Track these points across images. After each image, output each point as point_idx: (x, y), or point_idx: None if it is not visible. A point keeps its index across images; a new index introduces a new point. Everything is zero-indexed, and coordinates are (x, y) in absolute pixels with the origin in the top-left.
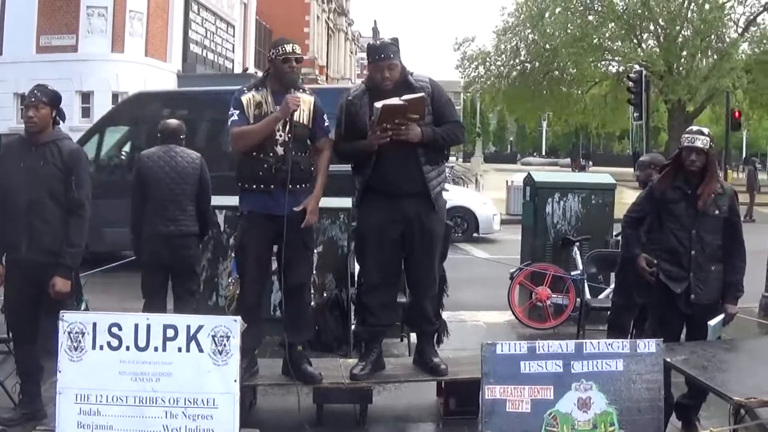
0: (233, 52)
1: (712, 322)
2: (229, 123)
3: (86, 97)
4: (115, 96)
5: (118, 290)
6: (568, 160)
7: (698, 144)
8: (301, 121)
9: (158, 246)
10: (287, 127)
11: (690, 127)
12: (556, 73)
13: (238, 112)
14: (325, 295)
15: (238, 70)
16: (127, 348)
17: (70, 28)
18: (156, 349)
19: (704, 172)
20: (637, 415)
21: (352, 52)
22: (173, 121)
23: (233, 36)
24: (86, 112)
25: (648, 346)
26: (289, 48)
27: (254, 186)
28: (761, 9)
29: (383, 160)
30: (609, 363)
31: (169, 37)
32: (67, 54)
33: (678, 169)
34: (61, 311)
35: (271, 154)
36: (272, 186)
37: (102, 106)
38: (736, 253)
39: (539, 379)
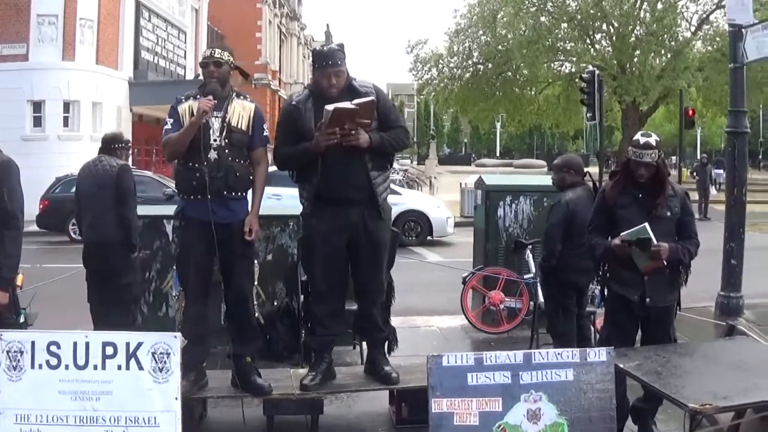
0: (185, 58)
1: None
2: (163, 132)
3: (38, 106)
4: (66, 104)
5: (69, 302)
6: (523, 161)
7: (646, 159)
8: (239, 126)
9: (84, 251)
10: (224, 132)
11: (637, 138)
12: (509, 74)
13: (172, 120)
14: (275, 303)
15: (190, 76)
16: (67, 367)
17: (20, 36)
18: (96, 367)
19: (654, 178)
20: (588, 425)
21: (305, 57)
22: (111, 132)
23: (185, 42)
24: (38, 122)
25: (598, 354)
26: (207, 52)
27: (191, 195)
28: (714, 7)
29: (329, 167)
30: (558, 373)
31: (120, 44)
32: (18, 63)
33: (627, 177)
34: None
35: (205, 162)
36: (208, 195)
37: (53, 115)
38: (689, 243)
39: (487, 390)
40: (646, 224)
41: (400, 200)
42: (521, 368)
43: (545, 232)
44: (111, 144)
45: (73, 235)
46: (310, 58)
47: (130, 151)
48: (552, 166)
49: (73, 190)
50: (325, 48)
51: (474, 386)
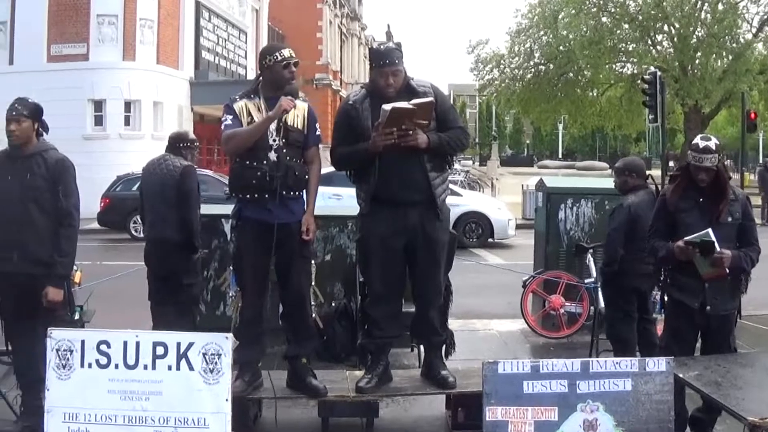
0: (245, 58)
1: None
2: (222, 127)
3: (98, 105)
4: (127, 104)
5: (128, 300)
6: (586, 163)
7: (706, 164)
8: (296, 126)
9: (146, 249)
10: (281, 132)
11: (696, 142)
12: (571, 75)
13: (231, 116)
14: (333, 304)
15: (250, 76)
16: (116, 366)
17: (80, 36)
18: (145, 367)
19: (714, 182)
20: None
21: (365, 57)
22: (177, 131)
23: (245, 42)
24: (99, 120)
25: (658, 364)
26: (287, 53)
27: (248, 195)
28: None
29: (387, 168)
30: (617, 382)
31: (181, 44)
32: (78, 63)
33: (688, 181)
34: (49, 328)
35: (264, 162)
36: (266, 194)
37: (115, 114)
38: (751, 250)
39: (543, 399)
40: (710, 230)
41: (461, 201)
42: (578, 377)
43: (607, 236)
44: (176, 143)
45: (134, 233)
46: (368, 58)
47: (197, 151)
48: (614, 169)
49: (135, 188)
50: (382, 47)
51: (530, 394)
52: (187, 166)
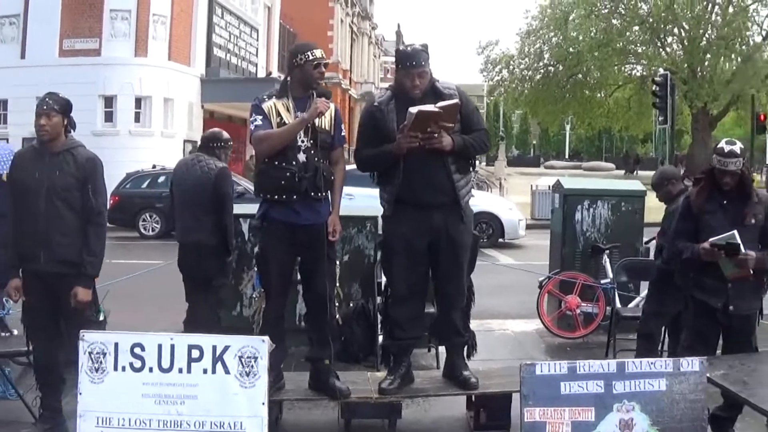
0: (257, 56)
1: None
2: (252, 128)
3: (109, 101)
4: (138, 100)
5: (143, 300)
6: (592, 163)
7: (731, 168)
8: (324, 127)
9: (179, 253)
10: (309, 133)
11: (721, 146)
12: (580, 76)
13: (261, 117)
14: (351, 305)
15: (261, 74)
16: (151, 369)
17: (93, 31)
18: (180, 370)
19: (739, 185)
20: None
21: (375, 56)
22: (210, 130)
23: (257, 40)
24: (109, 116)
25: (691, 364)
26: (318, 53)
27: (276, 196)
28: None
29: (411, 169)
30: (651, 382)
31: (193, 41)
32: (90, 58)
33: (712, 184)
34: (81, 331)
35: (293, 162)
36: (294, 196)
37: (125, 111)
38: None
39: (580, 400)
40: (735, 232)
41: (472, 202)
42: (614, 377)
43: (669, 235)
44: (210, 143)
45: (143, 231)
46: (394, 59)
47: (230, 151)
48: (653, 187)
49: (144, 186)
50: (409, 48)
51: (567, 395)
52: (222, 168)
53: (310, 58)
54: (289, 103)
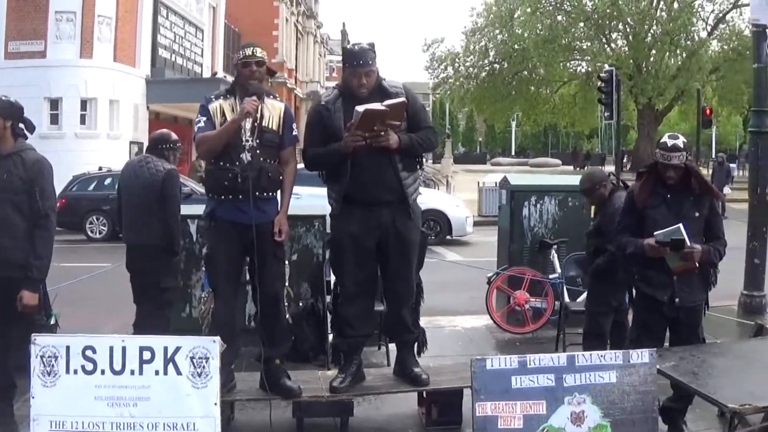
0: (202, 56)
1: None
2: (195, 129)
3: (55, 103)
4: (83, 102)
5: (92, 304)
6: (538, 160)
7: (674, 162)
8: (270, 127)
9: (127, 255)
10: (255, 133)
11: (664, 140)
12: (525, 73)
13: (205, 119)
14: (300, 304)
15: (207, 74)
16: (103, 372)
17: (38, 33)
18: (132, 372)
19: (682, 179)
20: (631, 427)
21: (321, 55)
22: (159, 131)
23: (202, 40)
24: (55, 119)
25: (641, 356)
26: (248, 51)
27: (222, 195)
28: (730, 6)
29: (359, 168)
30: (602, 375)
31: (138, 41)
32: (36, 60)
33: (656, 178)
34: (33, 334)
35: (237, 163)
36: (240, 195)
37: (71, 113)
38: (718, 243)
39: (531, 393)
40: (681, 225)
41: (420, 200)
42: (565, 371)
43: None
44: (158, 144)
45: (90, 234)
46: (341, 57)
47: (179, 152)
48: (583, 193)
49: (91, 188)
50: (356, 47)
51: (518, 389)
52: (170, 170)
53: (240, 56)
54: (235, 103)
